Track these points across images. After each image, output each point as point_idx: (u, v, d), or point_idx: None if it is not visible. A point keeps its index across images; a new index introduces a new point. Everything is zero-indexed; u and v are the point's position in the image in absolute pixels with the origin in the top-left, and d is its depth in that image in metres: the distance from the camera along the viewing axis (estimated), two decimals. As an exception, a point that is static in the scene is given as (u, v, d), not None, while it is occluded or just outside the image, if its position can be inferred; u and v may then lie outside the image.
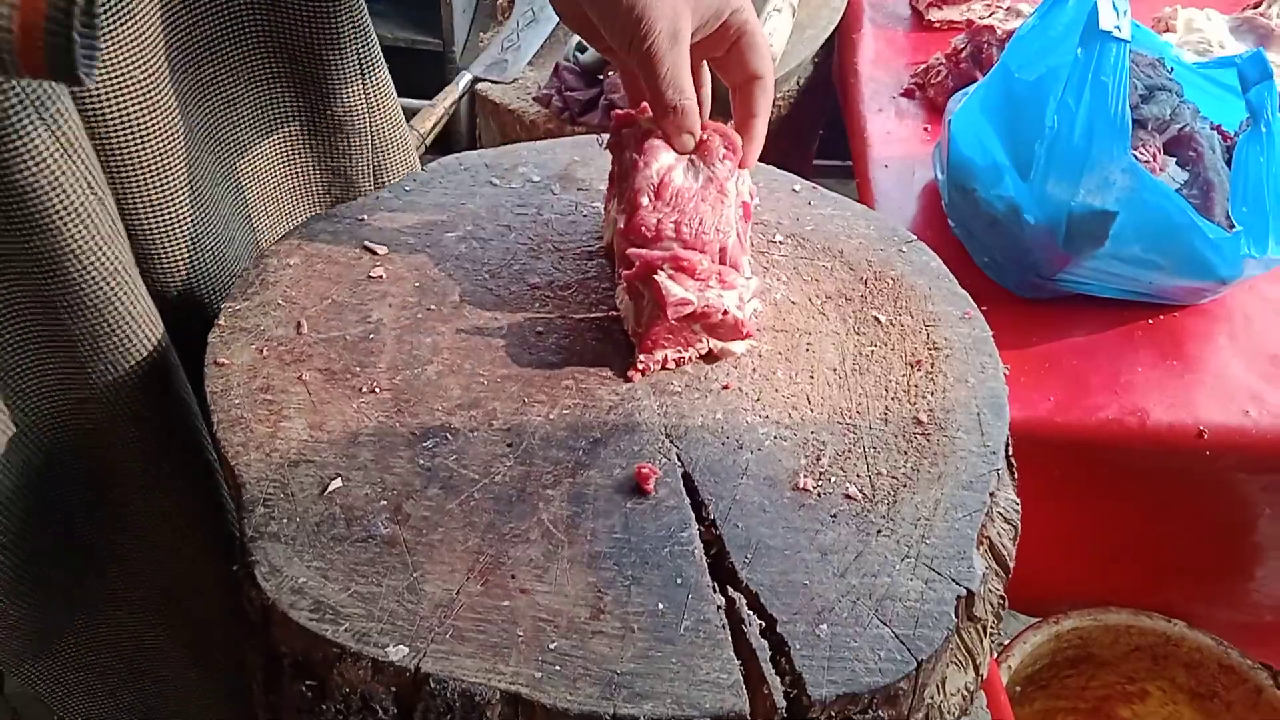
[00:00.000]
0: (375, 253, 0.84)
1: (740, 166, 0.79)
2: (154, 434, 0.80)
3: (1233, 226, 1.13)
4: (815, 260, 0.86)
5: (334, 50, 0.86)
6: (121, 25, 0.70)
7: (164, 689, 0.96)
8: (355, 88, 0.89)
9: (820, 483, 0.69)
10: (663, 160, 0.77)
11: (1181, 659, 1.28)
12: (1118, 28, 1.06)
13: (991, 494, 0.70)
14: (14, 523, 0.78)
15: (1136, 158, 1.11)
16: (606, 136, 0.84)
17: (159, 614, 0.91)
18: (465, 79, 1.72)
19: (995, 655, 1.20)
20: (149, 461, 0.81)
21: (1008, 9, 1.67)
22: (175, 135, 0.76)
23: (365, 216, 0.87)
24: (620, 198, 0.80)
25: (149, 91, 0.73)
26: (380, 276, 0.82)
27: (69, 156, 0.67)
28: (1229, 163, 1.17)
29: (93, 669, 0.91)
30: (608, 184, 0.85)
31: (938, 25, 1.71)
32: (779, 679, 0.59)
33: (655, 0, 0.70)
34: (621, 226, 0.77)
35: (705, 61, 0.80)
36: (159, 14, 0.74)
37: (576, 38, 1.68)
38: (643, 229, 0.75)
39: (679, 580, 0.63)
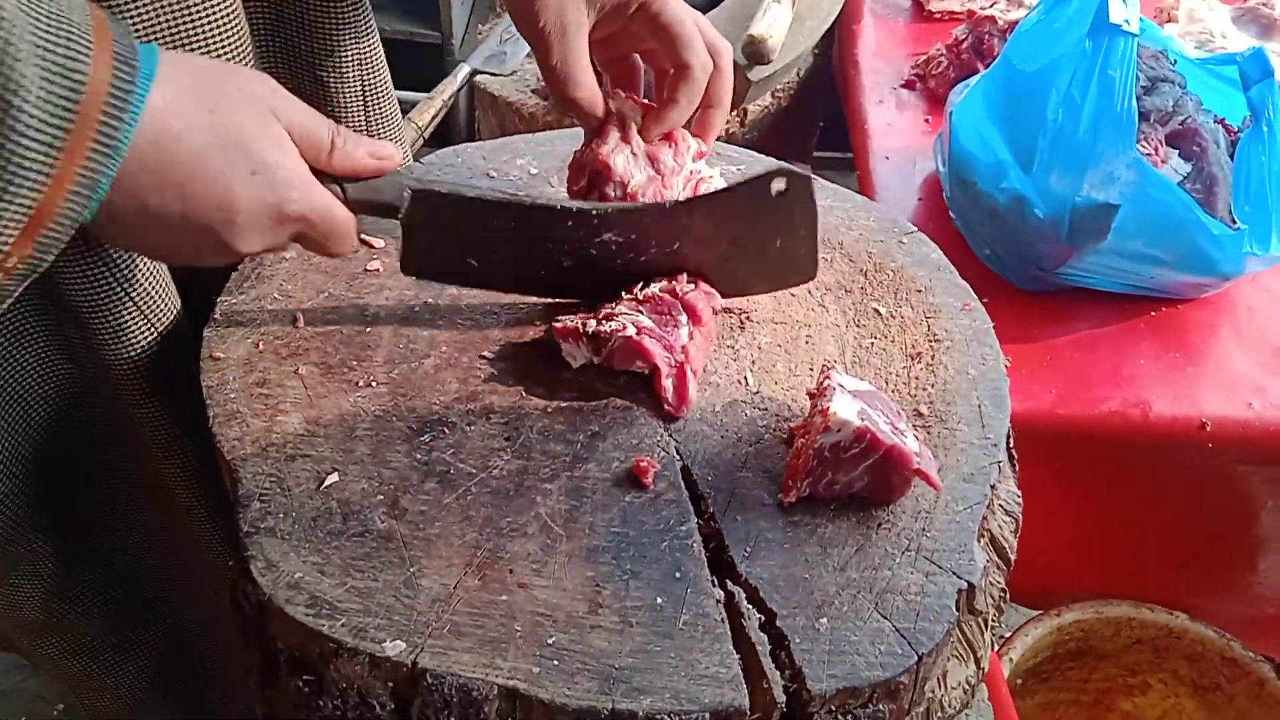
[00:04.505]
0: (372, 246, 0.83)
1: (625, 141, 0.76)
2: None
3: (1235, 221, 1.12)
4: (815, 252, 0.86)
5: (332, 46, 0.85)
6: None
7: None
8: (354, 87, 0.88)
9: (820, 476, 0.69)
10: (603, 151, 0.75)
11: (1183, 651, 1.28)
12: (1127, 21, 1.05)
13: (992, 486, 0.70)
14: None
15: (1140, 151, 1.10)
16: None
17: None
18: (464, 71, 1.72)
19: (996, 648, 1.20)
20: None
21: (1008, -1, 1.66)
22: None
23: (362, 209, 0.86)
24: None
25: None
26: (377, 270, 0.81)
27: None
28: (1233, 156, 1.16)
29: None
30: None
31: (938, 16, 1.71)
32: (779, 673, 0.58)
33: None
34: None
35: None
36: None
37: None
38: None
39: (678, 574, 0.63)
